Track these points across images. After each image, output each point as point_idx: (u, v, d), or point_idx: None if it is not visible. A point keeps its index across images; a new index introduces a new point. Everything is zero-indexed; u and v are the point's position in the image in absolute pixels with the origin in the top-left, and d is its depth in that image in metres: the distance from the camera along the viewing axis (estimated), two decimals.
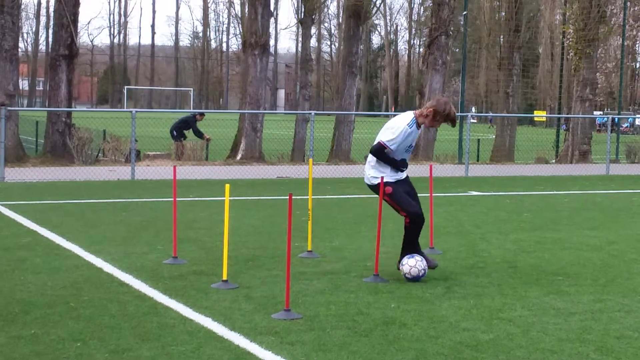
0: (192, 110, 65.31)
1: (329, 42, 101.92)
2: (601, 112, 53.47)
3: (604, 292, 7.43)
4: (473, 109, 72.95)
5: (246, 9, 24.92)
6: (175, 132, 23.07)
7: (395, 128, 7.86)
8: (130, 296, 6.91)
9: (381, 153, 7.90)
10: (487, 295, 7.22)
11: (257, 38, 23.87)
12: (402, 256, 7.93)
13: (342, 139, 25.80)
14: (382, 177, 7.85)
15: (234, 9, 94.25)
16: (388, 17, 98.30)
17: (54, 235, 9.83)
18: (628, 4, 31.16)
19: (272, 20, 78.37)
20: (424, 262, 7.78)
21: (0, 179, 16.37)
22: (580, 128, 27.01)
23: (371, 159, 8.01)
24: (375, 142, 7.92)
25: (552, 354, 5.58)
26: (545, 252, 9.40)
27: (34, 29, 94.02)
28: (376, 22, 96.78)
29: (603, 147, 23.83)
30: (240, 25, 34.04)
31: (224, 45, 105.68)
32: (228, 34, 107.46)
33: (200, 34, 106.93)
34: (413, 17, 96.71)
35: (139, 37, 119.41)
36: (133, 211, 12.25)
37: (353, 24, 26.39)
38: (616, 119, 25.76)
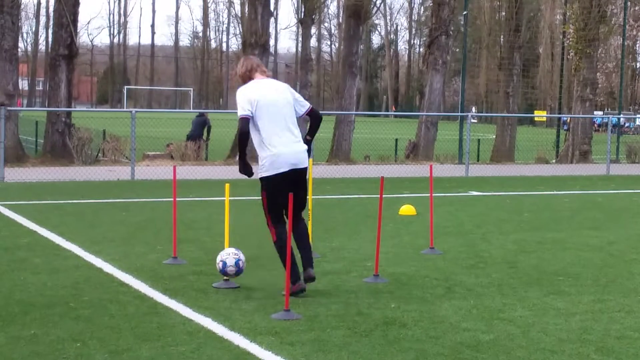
0: (192, 110, 65.34)
1: (329, 42, 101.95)
2: (601, 112, 53.42)
3: (604, 293, 7.42)
4: (473, 109, 72.91)
5: (246, 9, 24.91)
6: (197, 134, 23.46)
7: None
8: (130, 296, 6.90)
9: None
10: (488, 295, 7.22)
11: (257, 38, 23.85)
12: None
13: (342, 139, 25.77)
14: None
15: (234, 9, 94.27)
16: (388, 17, 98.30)
17: (53, 235, 9.82)
18: (628, 3, 31.14)
19: (272, 20, 78.35)
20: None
21: None
22: (581, 128, 26.99)
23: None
24: None
25: (552, 354, 5.57)
26: (546, 253, 9.39)
27: (33, 29, 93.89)
28: (376, 22, 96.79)
29: (603, 147, 23.81)
30: (240, 25, 34.05)
31: (224, 45, 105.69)
32: (228, 34, 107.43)
33: (200, 34, 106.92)
34: (413, 17, 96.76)
35: (139, 36, 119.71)
36: (133, 211, 12.24)
37: (353, 24, 26.36)
38: (613, 120, 25.68)
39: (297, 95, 7.33)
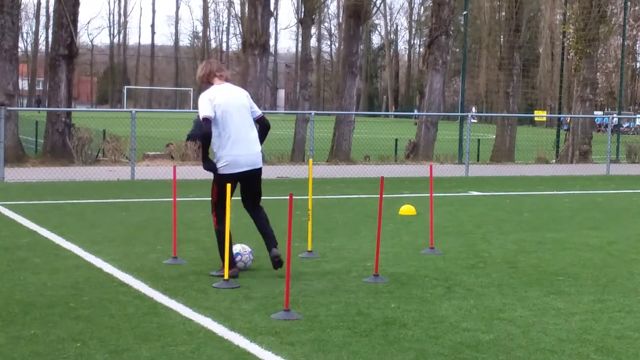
0: (192, 110, 65.32)
1: (329, 42, 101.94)
2: (601, 112, 53.40)
3: (604, 292, 7.42)
4: (473, 109, 72.90)
5: (246, 9, 24.91)
6: (198, 134, 23.37)
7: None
8: (130, 296, 6.90)
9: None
10: (488, 295, 7.22)
11: (257, 38, 23.85)
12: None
13: (342, 139, 25.78)
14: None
15: (234, 9, 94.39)
16: (388, 17, 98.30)
17: (53, 235, 9.82)
18: (628, 3, 31.13)
19: (272, 20, 78.36)
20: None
21: (0, 179, 16.36)
22: (581, 128, 26.99)
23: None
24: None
25: (552, 354, 5.57)
26: (546, 252, 9.39)
27: (33, 29, 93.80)
28: (376, 22, 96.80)
29: (603, 147, 23.81)
30: (240, 25, 34.06)
31: (224, 45, 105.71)
32: (228, 34, 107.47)
33: (200, 34, 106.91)
34: (413, 17, 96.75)
35: (139, 36, 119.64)
36: (133, 211, 12.23)
37: (353, 24, 26.36)
38: (606, 119, 25.67)
39: (252, 101, 7.84)
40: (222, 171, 7.66)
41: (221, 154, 7.61)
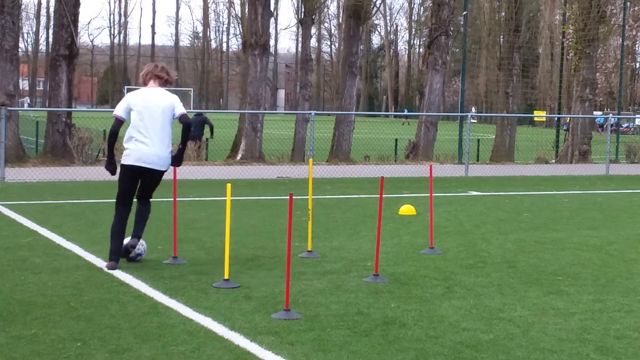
0: (192, 110, 65.36)
1: (329, 42, 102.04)
2: (601, 112, 53.40)
3: (604, 292, 7.43)
4: (473, 109, 72.93)
5: (246, 9, 24.93)
6: (197, 134, 23.39)
7: None
8: (130, 296, 6.91)
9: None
10: (487, 295, 7.23)
11: (257, 38, 23.87)
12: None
13: (342, 139, 25.80)
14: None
15: (234, 9, 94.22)
16: (388, 17, 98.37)
17: (54, 235, 9.84)
18: (628, 4, 31.14)
19: (272, 20, 78.33)
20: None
21: (0, 179, 16.37)
22: (580, 128, 27.00)
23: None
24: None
25: (552, 353, 5.59)
26: (545, 252, 9.41)
27: (34, 29, 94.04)
28: (376, 22, 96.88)
29: (603, 147, 23.83)
30: (240, 26, 34.06)
31: (224, 45, 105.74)
32: (228, 34, 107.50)
33: (201, 34, 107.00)
34: (413, 17, 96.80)
35: (139, 37, 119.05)
36: (133, 211, 12.20)
37: (353, 24, 26.38)
38: (600, 120, 25.69)
39: (179, 105, 8.25)
40: (123, 161, 8.11)
41: (127, 145, 8.08)
